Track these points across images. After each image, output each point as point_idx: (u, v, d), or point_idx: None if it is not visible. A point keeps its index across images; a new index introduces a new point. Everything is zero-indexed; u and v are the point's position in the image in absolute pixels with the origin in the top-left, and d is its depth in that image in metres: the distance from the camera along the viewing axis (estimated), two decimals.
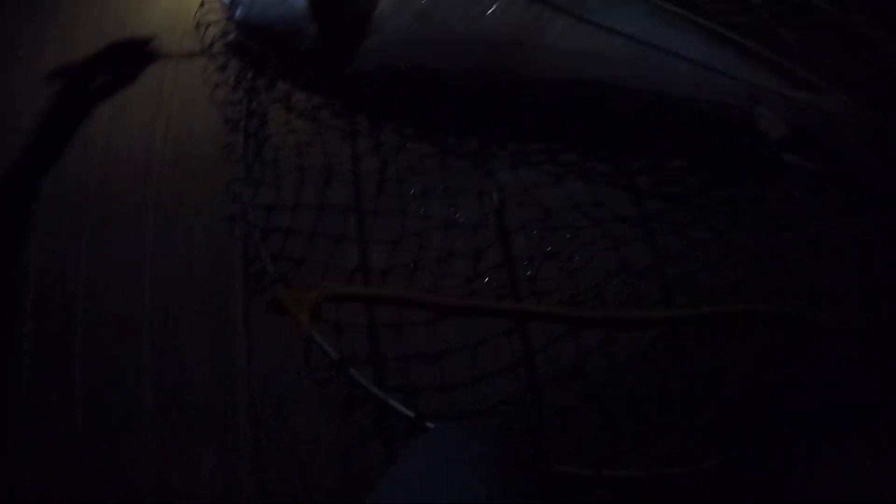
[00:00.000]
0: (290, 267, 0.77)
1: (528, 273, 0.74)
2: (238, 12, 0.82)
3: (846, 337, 0.71)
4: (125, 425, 0.77)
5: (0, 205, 0.73)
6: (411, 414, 0.69)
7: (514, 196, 0.76)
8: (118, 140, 0.95)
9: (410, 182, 0.79)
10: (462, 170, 0.79)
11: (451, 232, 0.76)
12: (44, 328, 0.85)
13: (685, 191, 0.76)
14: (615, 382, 0.70)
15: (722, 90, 0.75)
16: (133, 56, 0.85)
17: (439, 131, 0.81)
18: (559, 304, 0.72)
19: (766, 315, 0.72)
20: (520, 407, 0.70)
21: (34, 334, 0.84)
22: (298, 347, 0.75)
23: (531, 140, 0.79)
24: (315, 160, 0.82)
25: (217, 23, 0.91)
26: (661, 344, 0.71)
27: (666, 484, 0.68)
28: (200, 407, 0.76)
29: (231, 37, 0.88)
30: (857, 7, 0.79)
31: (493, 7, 0.74)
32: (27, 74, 1.00)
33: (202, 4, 0.93)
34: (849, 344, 0.70)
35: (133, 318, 0.82)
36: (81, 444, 0.78)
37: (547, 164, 0.78)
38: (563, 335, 0.71)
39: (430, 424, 0.69)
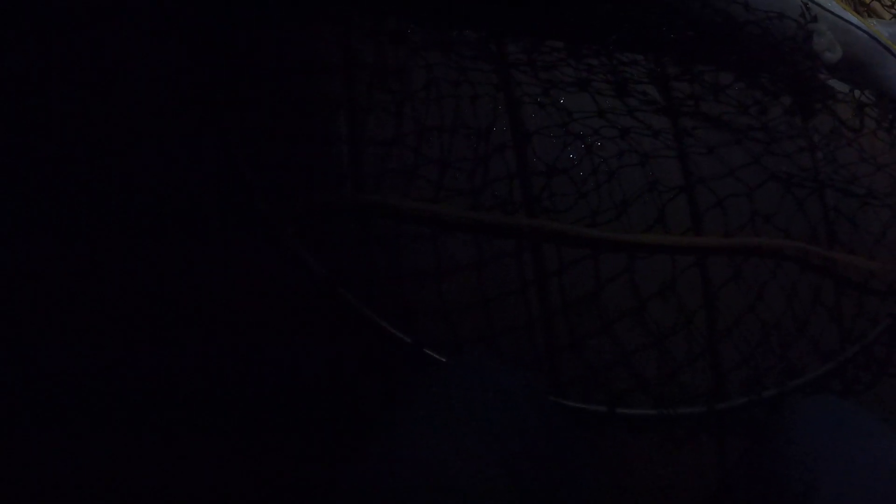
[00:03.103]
0: (270, 173, 0.65)
1: (544, 186, 0.65)
2: None
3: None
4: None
5: None
6: (408, 339, 0.61)
7: (530, 95, 0.66)
8: None
9: (410, 74, 0.67)
10: (470, 63, 0.67)
11: (457, 134, 0.65)
12: None
13: (722, 108, 0.68)
14: (633, 314, 0.63)
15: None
16: None
17: (445, 19, 0.69)
18: (577, 223, 0.64)
19: (798, 252, 0.66)
20: (529, 336, 0.63)
21: None
22: (279, 265, 0.64)
23: (550, 36, 0.68)
24: (298, 49, 0.68)
25: None
26: (686, 274, 0.64)
27: (678, 424, 0.63)
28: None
29: None
30: None
31: None
32: None
33: None
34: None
35: None
36: None
37: (568, 64, 0.67)
38: (579, 259, 0.64)
39: (428, 351, 0.61)
